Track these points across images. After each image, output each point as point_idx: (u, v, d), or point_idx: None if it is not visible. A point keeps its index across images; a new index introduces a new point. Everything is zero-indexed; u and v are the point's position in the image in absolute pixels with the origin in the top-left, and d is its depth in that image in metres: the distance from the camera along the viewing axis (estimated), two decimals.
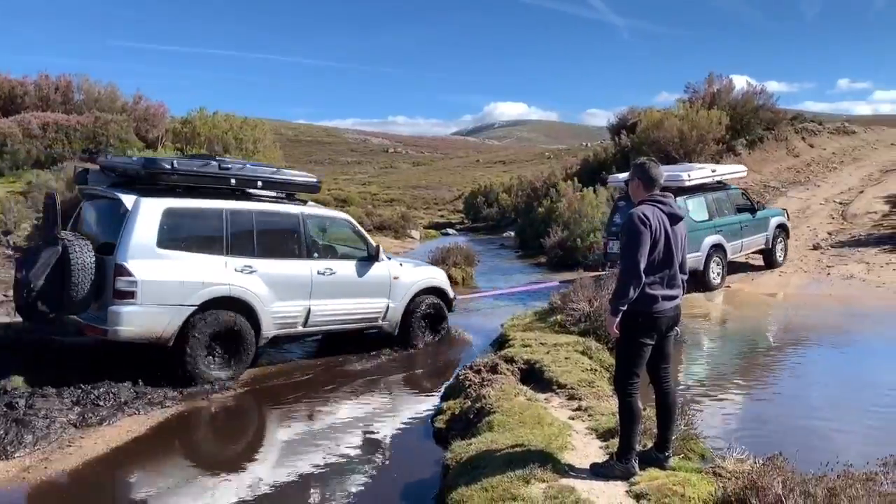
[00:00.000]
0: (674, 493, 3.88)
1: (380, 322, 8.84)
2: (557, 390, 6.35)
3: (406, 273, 9.05)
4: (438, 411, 6.40)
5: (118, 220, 6.90)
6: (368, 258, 8.61)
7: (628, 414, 4.31)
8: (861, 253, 14.75)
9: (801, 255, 15.18)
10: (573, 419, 5.57)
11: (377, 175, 73.31)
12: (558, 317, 9.00)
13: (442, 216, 40.77)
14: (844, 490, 2.89)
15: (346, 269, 8.39)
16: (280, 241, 7.95)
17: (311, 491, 5.03)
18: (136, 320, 6.75)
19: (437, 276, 9.57)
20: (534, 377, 6.82)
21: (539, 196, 23.93)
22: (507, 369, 6.88)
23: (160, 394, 6.82)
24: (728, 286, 13.16)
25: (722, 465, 4.41)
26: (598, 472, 4.35)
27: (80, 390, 6.57)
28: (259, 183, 7.95)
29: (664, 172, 4.46)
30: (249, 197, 7.87)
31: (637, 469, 4.28)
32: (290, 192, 8.40)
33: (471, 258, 16.13)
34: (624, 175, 14.17)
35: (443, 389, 7.16)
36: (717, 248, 12.80)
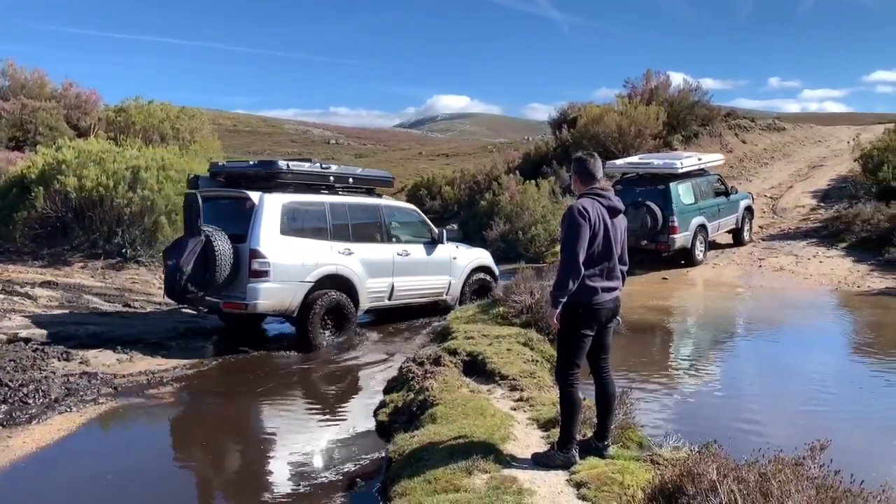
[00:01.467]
0: (612, 481, 3.95)
1: (444, 296, 10.37)
2: (500, 381, 6.38)
3: (461, 254, 10.63)
4: (381, 404, 6.38)
5: (245, 214, 8.26)
6: (432, 242, 10.11)
7: (569, 404, 4.37)
8: (790, 246, 15.32)
9: (733, 249, 15.65)
10: (515, 410, 5.62)
11: None
12: (501, 309, 9.04)
13: None
14: (774, 475, 3.00)
15: (417, 251, 9.89)
16: (368, 228, 9.46)
17: (248, 483, 4.95)
18: (269, 295, 8.14)
19: (484, 257, 11.19)
20: (476, 369, 6.84)
21: (482, 189, 24.05)
22: (450, 361, 6.88)
23: (93, 390, 6.62)
24: (664, 278, 13.49)
25: (659, 452, 4.50)
26: (539, 461, 4.40)
27: (6, 388, 6.32)
28: (350, 180, 9.52)
29: (601, 167, 4.53)
30: (338, 192, 9.30)
31: (577, 458, 4.35)
32: (370, 186, 9.92)
33: None
34: (622, 161, 15.91)
35: (385, 383, 7.14)
36: (702, 228, 14.31)
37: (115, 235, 12.82)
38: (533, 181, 19.84)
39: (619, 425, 4.85)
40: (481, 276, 10.85)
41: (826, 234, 15.71)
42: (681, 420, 6.00)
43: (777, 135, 27.65)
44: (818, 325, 10.30)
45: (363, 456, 5.45)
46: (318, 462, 5.43)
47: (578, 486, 4.04)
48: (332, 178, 9.25)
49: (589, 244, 4.23)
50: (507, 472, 4.24)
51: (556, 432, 4.63)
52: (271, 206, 8.31)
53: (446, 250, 10.25)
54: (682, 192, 13.96)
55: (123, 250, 12.75)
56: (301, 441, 5.90)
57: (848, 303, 11.29)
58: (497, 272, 11.20)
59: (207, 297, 8.23)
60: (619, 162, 15.78)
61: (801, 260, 14.12)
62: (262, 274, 8.07)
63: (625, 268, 4.51)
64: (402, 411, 5.92)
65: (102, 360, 7.77)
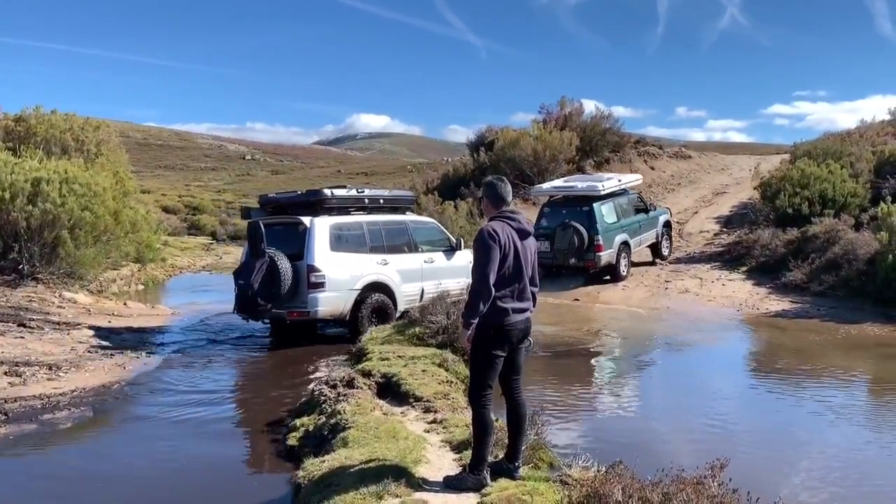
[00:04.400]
0: (522, 503, 3.97)
1: (465, 295, 11.02)
2: (414, 403, 6.35)
3: None
4: (291, 428, 6.22)
5: (298, 236, 9.62)
6: (451, 249, 11.46)
7: (481, 426, 4.38)
8: (695, 269, 15.95)
9: (641, 271, 16.17)
10: (428, 432, 5.59)
11: (233, 182, 70.81)
12: (417, 329, 9.03)
13: None
14: (677, 494, 3.08)
15: (440, 258, 11.24)
16: (398, 241, 10.78)
17: None
18: (327, 303, 9.55)
19: None
20: (391, 391, 6.79)
21: None
22: (364, 383, 6.81)
23: None
24: (576, 300, 13.80)
25: (569, 473, 4.55)
26: (450, 484, 4.38)
27: None
28: (381, 201, 10.93)
29: (510, 191, 4.60)
30: (371, 211, 10.68)
31: (489, 480, 4.35)
32: (397, 206, 11.35)
33: None
34: (547, 185, 16.93)
35: (297, 405, 6.97)
36: (625, 245, 15.12)
37: (11, 251, 12.13)
38: (451, 202, 19.98)
39: (530, 445, 4.89)
40: None
41: (728, 258, 16.45)
42: (594, 439, 6.11)
43: (684, 162, 28.86)
44: (721, 346, 10.73)
45: None
46: None
47: None
48: (366, 200, 10.69)
49: (499, 266, 4.28)
50: (418, 495, 4.20)
51: (468, 454, 4.62)
52: (321, 228, 9.68)
53: (464, 256, 11.37)
54: (605, 212, 14.79)
55: (20, 266, 12.08)
56: None
57: (748, 324, 11.82)
58: None
59: (274, 310, 9.47)
60: (544, 186, 16.83)
61: (706, 283, 14.71)
62: (319, 286, 9.45)
63: (535, 289, 4.58)
64: (313, 435, 5.80)
65: None
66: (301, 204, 10.17)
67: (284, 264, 9.32)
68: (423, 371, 7.18)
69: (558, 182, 17.03)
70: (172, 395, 7.59)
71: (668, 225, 17.20)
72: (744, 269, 15.46)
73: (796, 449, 6.12)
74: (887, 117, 27.12)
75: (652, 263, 16.70)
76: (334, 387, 6.63)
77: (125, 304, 13.04)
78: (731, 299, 13.41)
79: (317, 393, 6.60)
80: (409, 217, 11.55)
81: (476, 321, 4.26)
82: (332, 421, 5.74)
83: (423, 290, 10.70)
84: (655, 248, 16.79)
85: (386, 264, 10.30)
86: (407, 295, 10.55)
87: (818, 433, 6.51)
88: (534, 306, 4.60)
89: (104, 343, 9.63)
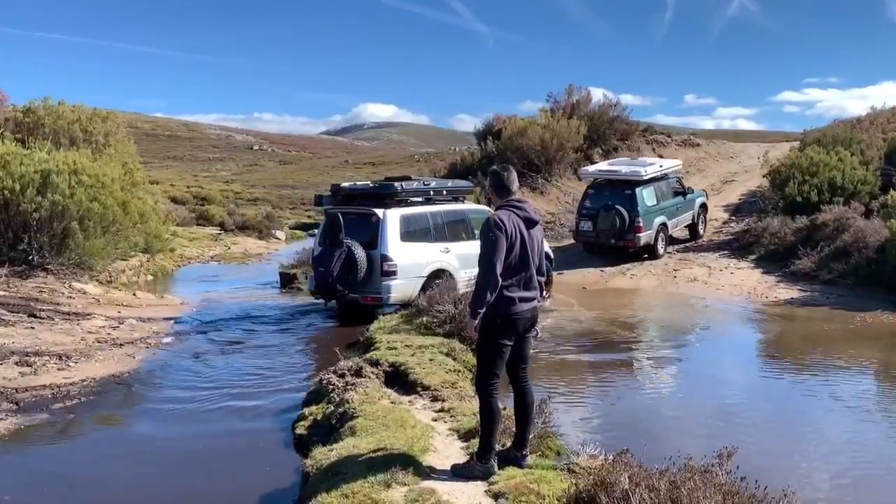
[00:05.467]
0: (530, 491, 3.98)
1: None
2: (422, 392, 6.37)
3: None
4: (300, 417, 6.25)
5: (371, 226, 10.39)
6: None
7: (488, 414, 4.39)
8: (704, 258, 15.88)
9: (649, 259, 16.12)
10: (436, 421, 5.61)
11: (241, 173, 70.84)
12: (424, 318, 9.04)
13: (309, 217, 39.93)
14: (684, 483, 3.08)
15: None
16: (458, 229, 11.42)
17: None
18: (398, 289, 10.30)
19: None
20: (399, 380, 6.81)
21: None
22: (372, 372, 6.82)
23: None
24: (584, 287, 13.79)
25: (576, 461, 4.57)
26: (458, 472, 4.40)
27: None
28: (444, 192, 11.70)
29: (516, 179, 4.60)
30: (434, 202, 11.38)
31: (496, 468, 4.37)
32: (457, 195, 12.07)
33: None
34: (593, 167, 17.86)
35: (305, 395, 7.01)
36: (663, 226, 16.04)
37: (21, 242, 12.18)
38: None
39: (537, 434, 4.90)
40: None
41: (737, 247, 16.37)
42: (602, 426, 6.12)
43: (692, 150, 28.68)
44: (731, 334, 10.70)
45: None
46: None
47: (496, 496, 4.06)
48: (431, 192, 11.39)
49: (506, 255, 4.27)
50: (426, 484, 4.22)
51: (476, 443, 4.64)
52: (393, 219, 10.41)
53: None
54: (646, 196, 15.67)
55: (30, 257, 12.14)
56: None
57: (757, 312, 11.77)
58: (552, 256, 13.16)
59: (351, 294, 10.26)
60: (590, 168, 17.82)
61: (714, 271, 14.66)
62: (391, 273, 10.21)
63: (542, 278, 4.58)
64: (322, 424, 5.83)
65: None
66: (370, 195, 10.94)
67: (360, 253, 10.12)
68: (431, 360, 7.20)
69: (603, 165, 18.05)
70: (180, 385, 7.63)
71: (703, 206, 18.14)
72: (752, 257, 15.39)
73: (806, 437, 6.11)
74: None
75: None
76: (342, 376, 6.65)
77: (134, 294, 13.10)
78: (739, 288, 13.36)
79: (325, 382, 6.63)
80: (467, 206, 12.21)
81: (483, 311, 4.26)
82: (340, 410, 5.76)
83: (472, 276, 11.41)
84: (693, 228, 17.76)
85: (447, 252, 10.98)
86: (464, 279, 10.90)
87: (829, 422, 6.50)
88: (541, 295, 4.60)
89: (113, 333, 9.67)
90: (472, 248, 11.29)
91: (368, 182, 12.14)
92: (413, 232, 10.69)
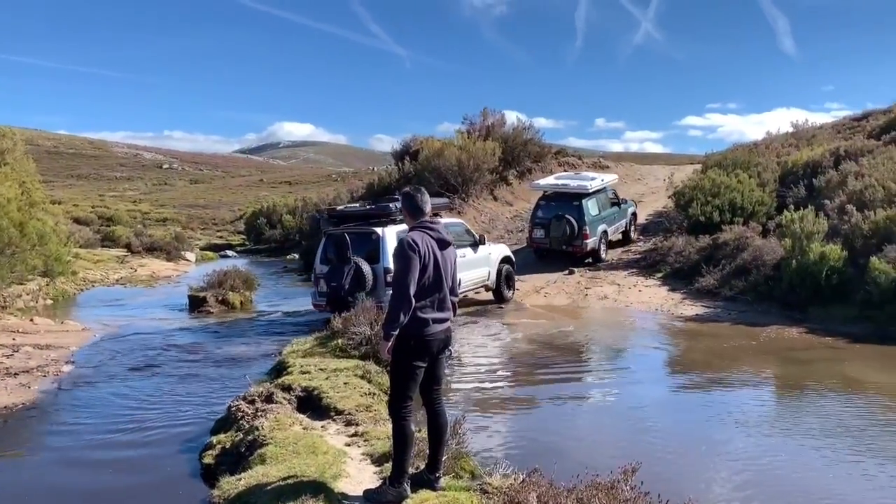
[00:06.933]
0: None
1: (487, 282, 13.91)
2: (335, 417, 6.27)
3: (494, 250, 14.27)
4: (207, 445, 6.03)
5: (372, 243, 11.51)
6: (475, 244, 13.36)
7: (401, 437, 4.35)
8: (613, 275, 16.34)
9: (561, 278, 16.48)
10: (349, 445, 5.53)
11: (150, 192, 68.51)
12: (339, 341, 8.93)
13: (221, 237, 38.97)
14: (590, 500, 3.14)
15: (469, 252, 12.96)
16: None
17: None
18: None
19: (505, 250, 14.94)
20: (312, 404, 6.68)
21: None
22: (284, 398, 6.67)
23: None
24: (500, 306, 13.95)
25: (489, 481, 4.58)
26: (370, 498, 4.33)
27: None
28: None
29: (428, 201, 4.61)
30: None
31: (409, 492, 4.32)
32: (437, 212, 11.51)
33: (250, 282, 15.66)
34: (544, 181, 20.09)
35: (213, 423, 6.77)
36: (605, 234, 18.16)
37: None
38: None
39: (452, 455, 4.89)
40: (506, 265, 14.50)
41: (645, 265, 16.93)
42: (518, 445, 6.16)
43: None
44: (639, 348, 11.02)
45: None
46: None
47: None
48: None
49: (419, 276, 4.27)
50: None
51: (389, 467, 4.58)
52: (391, 235, 11.34)
53: (485, 249, 13.62)
54: (591, 207, 17.65)
55: None
56: None
57: (663, 328, 12.18)
58: (514, 260, 15.10)
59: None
60: (541, 182, 19.98)
61: (623, 289, 15.10)
62: None
63: (455, 298, 4.60)
64: (230, 452, 5.65)
65: None
66: (370, 216, 12.07)
67: (366, 268, 11.21)
68: (346, 383, 7.10)
69: (551, 179, 20.13)
70: (79, 416, 7.25)
71: (634, 215, 20.48)
72: (659, 275, 15.94)
73: (710, 451, 6.33)
74: (790, 129, 28.50)
75: (569, 273, 17.06)
76: (252, 402, 6.47)
77: (31, 320, 12.41)
78: (647, 304, 13.80)
79: (234, 409, 6.43)
80: (445, 220, 12.76)
81: (396, 332, 4.23)
82: (250, 437, 5.60)
83: (460, 281, 11.84)
84: (626, 234, 19.93)
85: None
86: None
87: (731, 437, 6.75)
88: (454, 315, 4.61)
89: (7, 362, 9.12)
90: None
91: (356, 205, 13.64)
92: None
